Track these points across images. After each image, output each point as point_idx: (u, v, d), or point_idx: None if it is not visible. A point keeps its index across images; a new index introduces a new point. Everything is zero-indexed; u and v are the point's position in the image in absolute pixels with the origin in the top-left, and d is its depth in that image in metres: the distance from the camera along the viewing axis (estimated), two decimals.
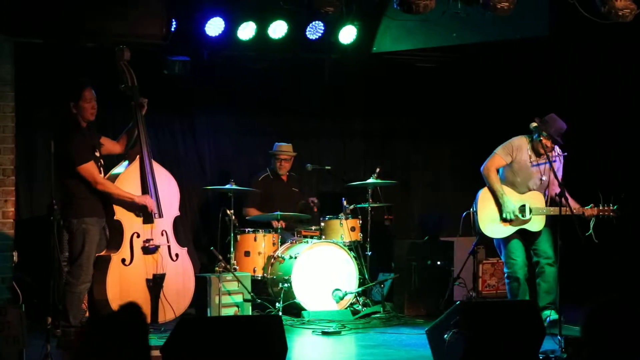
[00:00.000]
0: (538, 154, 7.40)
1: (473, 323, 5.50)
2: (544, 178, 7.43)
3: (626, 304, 2.52)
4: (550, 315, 7.18)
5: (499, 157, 7.51)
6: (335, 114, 9.93)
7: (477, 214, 7.50)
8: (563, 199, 6.82)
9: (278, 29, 8.65)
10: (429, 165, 10.40)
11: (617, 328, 2.47)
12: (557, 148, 7.47)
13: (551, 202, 7.36)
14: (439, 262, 8.69)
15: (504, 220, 7.41)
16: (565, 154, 7.45)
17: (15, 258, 7.39)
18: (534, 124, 7.19)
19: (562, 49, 8.85)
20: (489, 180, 7.47)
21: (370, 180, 8.70)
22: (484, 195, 7.52)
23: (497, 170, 7.52)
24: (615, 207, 7.29)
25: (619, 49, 8.53)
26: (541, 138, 7.31)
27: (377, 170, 8.74)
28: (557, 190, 7.21)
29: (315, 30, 8.85)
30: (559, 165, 7.48)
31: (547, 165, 7.31)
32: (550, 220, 7.39)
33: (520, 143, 7.47)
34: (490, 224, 7.47)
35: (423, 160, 10.38)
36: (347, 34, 9.01)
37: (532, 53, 9.17)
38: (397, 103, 10.04)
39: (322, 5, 7.31)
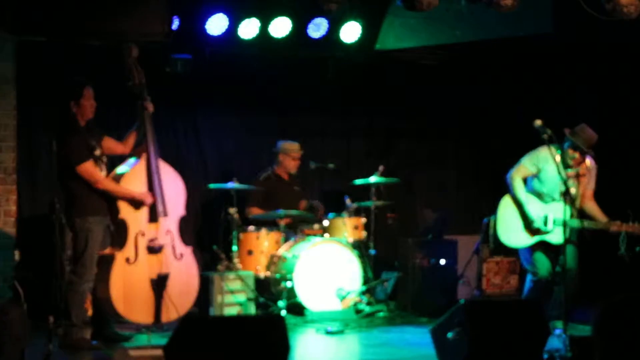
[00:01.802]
0: (566, 166, 7.22)
1: (477, 322, 5.48)
2: (572, 191, 7.31)
3: None
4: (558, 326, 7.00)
5: (524, 167, 7.37)
6: (339, 112, 9.91)
7: (496, 221, 7.42)
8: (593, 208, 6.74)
9: (281, 27, 8.63)
10: (432, 164, 10.38)
11: (632, 329, 2.43)
12: (588, 160, 7.30)
13: (579, 215, 7.16)
14: (442, 261, 8.67)
15: (527, 229, 7.32)
16: (596, 166, 7.26)
17: (17, 257, 7.39)
18: (539, 122, 7.07)
19: (566, 46, 8.81)
20: (513, 189, 7.34)
21: (374, 179, 8.68)
22: (504, 203, 7.41)
23: (525, 180, 7.39)
24: None
25: (623, 46, 8.51)
26: (569, 150, 7.20)
27: (381, 168, 8.73)
28: (587, 203, 7.13)
29: (318, 28, 8.84)
30: (589, 179, 7.33)
31: (575, 180, 7.19)
32: (573, 234, 7.18)
33: (547, 153, 7.26)
34: (509, 233, 7.37)
35: (427, 159, 10.36)
36: (351, 32, 8.99)
37: (536, 50, 9.15)
38: (401, 101, 10.02)
39: (326, 2, 7.30)
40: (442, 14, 7.56)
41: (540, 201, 7.35)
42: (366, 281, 8.49)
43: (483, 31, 8.20)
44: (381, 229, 9.03)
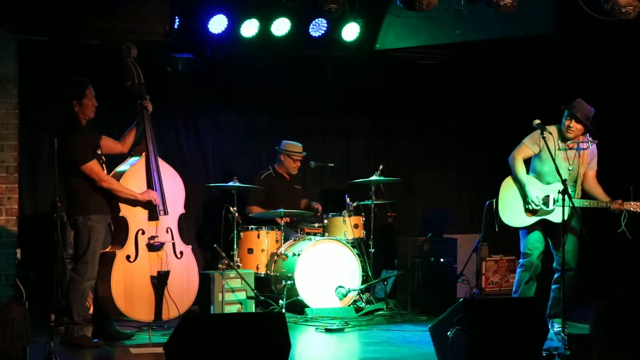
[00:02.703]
0: (565, 140, 7.23)
1: (476, 320, 5.50)
2: (571, 168, 7.23)
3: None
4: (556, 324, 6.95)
5: (525, 147, 7.34)
6: (339, 111, 9.93)
7: (498, 202, 7.42)
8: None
9: (281, 26, 8.65)
10: (432, 163, 10.40)
11: (630, 327, 2.43)
12: (588, 138, 7.28)
13: (582, 194, 7.19)
14: (442, 259, 8.69)
15: (526, 210, 7.33)
16: (596, 142, 7.24)
17: (18, 255, 7.41)
18: (537, 121, 7.10)
19: (565, 46, 8.83)
20: (514, 169, 7.33)
21: (374, 178, 8.71)
22: (506, 184, 7.39)
23: (528, 160, 7.43)
24: None
25: (622, 46, 8.52)
26: (565, 120, 7.20)
27: (380, 167, 8.74)
28: (589, 183, 7.16)
29: (318, 28, 8.86)
30: (591, 156, 7.30)
31: (576, 156, 7.22)
32: (575, 215, 7.12)
33: (548, 132, 7.23)
34: (510, 213, 7.35)
35: (426, 158, 10.38)
36: (350, 31, 9.01)
37: (536, 50, 9.16)
38: (400, 100, 10.04)
39: (326, 2, 7.32)
40: (442, 13, 7.57)
41: (541, 181, 7.34)
42: (366, 280, 8.51)
43: (483, 31, 8.21)
44: (381, 228, 9.05)
